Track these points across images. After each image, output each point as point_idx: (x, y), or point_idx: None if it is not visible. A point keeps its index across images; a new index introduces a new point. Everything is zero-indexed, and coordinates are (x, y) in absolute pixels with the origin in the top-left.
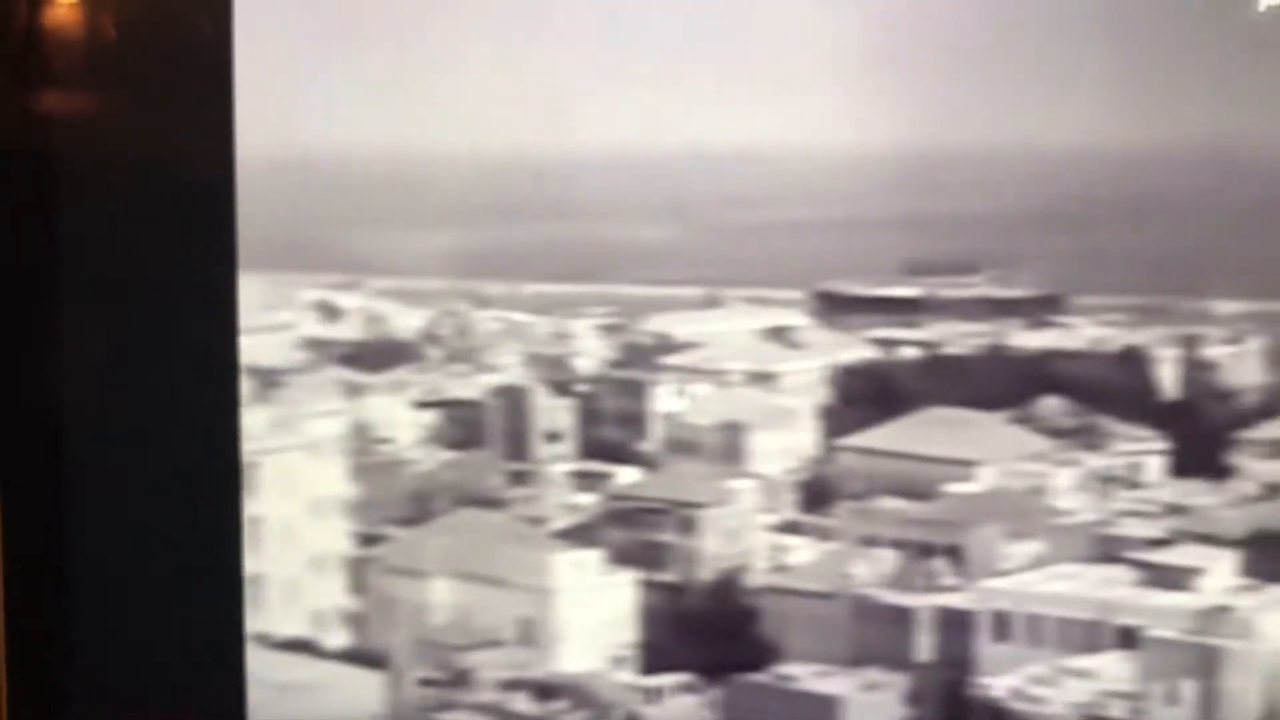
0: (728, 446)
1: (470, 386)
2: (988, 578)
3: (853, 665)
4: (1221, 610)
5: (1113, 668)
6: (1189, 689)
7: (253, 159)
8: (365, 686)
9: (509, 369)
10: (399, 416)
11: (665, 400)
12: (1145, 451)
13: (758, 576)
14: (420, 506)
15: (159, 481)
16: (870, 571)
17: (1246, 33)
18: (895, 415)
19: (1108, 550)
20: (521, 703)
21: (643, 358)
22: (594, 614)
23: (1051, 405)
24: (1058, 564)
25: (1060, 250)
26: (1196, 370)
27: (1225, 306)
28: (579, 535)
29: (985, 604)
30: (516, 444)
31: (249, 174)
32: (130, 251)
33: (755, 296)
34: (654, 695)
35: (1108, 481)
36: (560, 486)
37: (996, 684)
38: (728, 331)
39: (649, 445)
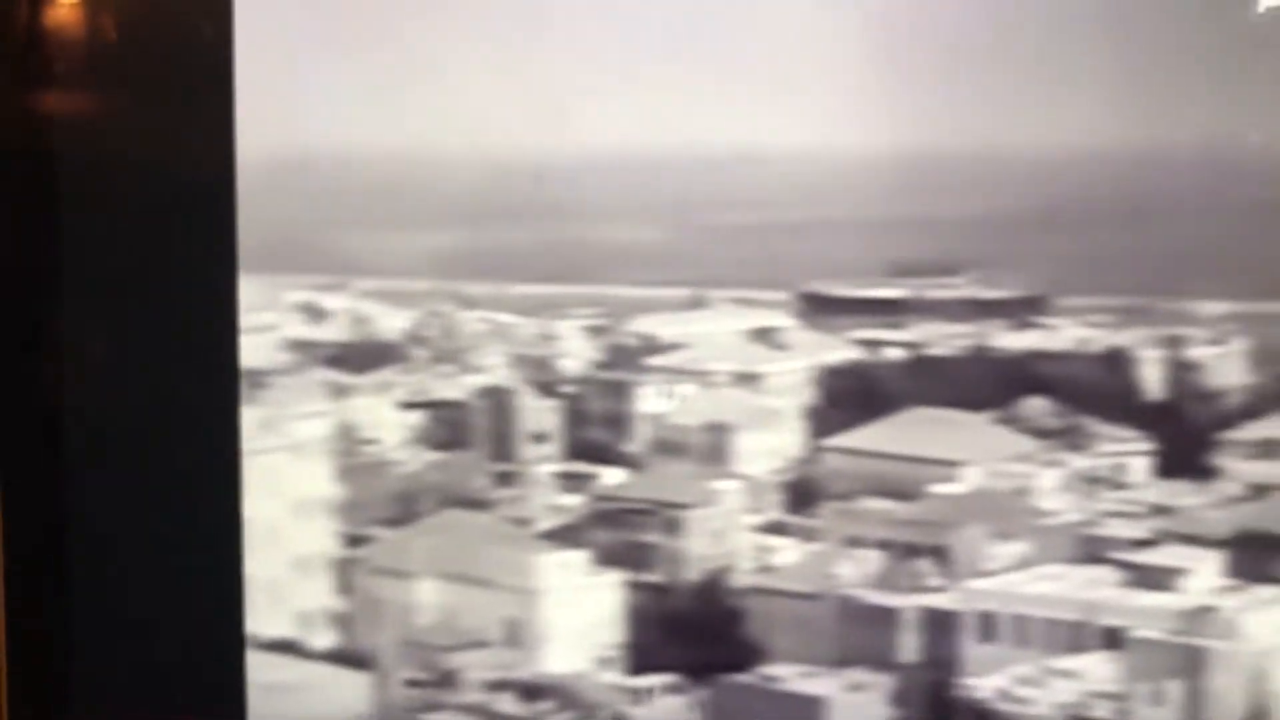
0: (713, 447)
1: (456, 387)
2: (973, 578)
3: (838, 666)
4: (1206, 611)
5: (1098, 668)
6: (1174, 689)
7: (243, 160)
8: (351, 687)
9: (494, 370)
10: (384, 417)
11: (651, 401)
12: (1130, 452)
13: (743, 577)
14: (406, 507)
15: (159, 482)
16: (855, 572)
17: (1240, 34)
18: (880, 416)
19: (1093, 551)
20: (507, 703)
21: (628, 359)
22: (580, 615)
23: (1036, 406)
24: (1043, 564)
25: (1044, 251)
26: (1181, 371)
27: (1209, 307)
28: (565, 536)
29: (970, 605)
30: (502, 445)
31: (239, 175)
32: (130, 252)
33: (741, 298)
34: (640, 696)
35: (1092, 482)
36: (546, 487)
37: (982, 684)
38: (713, 332)
39: (634, 446)
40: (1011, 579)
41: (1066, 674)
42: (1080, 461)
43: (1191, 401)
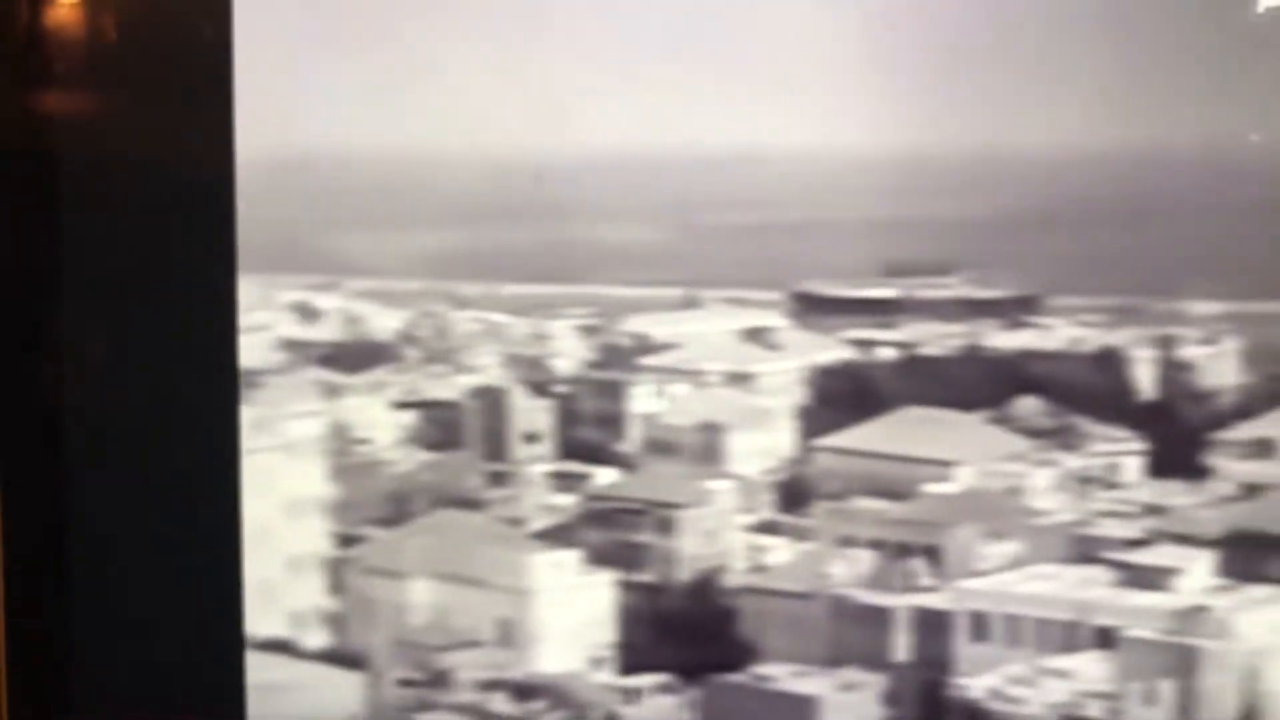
0: (706, 447)
1: (448, 387)
2: (965, 578)
3: (830, 665)
4: (1199, 610)
5: (1090, 668)
6: (1166, 689)
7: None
8: (344, 687)
9: (487, 370)
10: (377, 417)
11: (643, 401)
12: (1123, 452)
13: (736, 577)
14: (399, 507)
15: (158, 481)
16: (848, 572)
17: (1234, 34)
18: (872, 415)
19: (1085, 550)
20: (500, 703)
21: (621, 358)
22: (572, 614)
23: (1029, 406)
24: (1035, 564)
25: (1037, 251)
26: (1173, 371)
27: (1202, 307)
28: (557, 536)
29: (963, 604)
30: (495, 445)
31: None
32: (129, 252)
33: (733, 297)
34: (632, 695)
35: (1085, 482)
36: (539, 487)
37: (974, 684)
38: (706, 332)
39: (627, 446)
40: (1004, 578)
41: (1059, 674)
42: (1073, 461)
43: (1184, 401)
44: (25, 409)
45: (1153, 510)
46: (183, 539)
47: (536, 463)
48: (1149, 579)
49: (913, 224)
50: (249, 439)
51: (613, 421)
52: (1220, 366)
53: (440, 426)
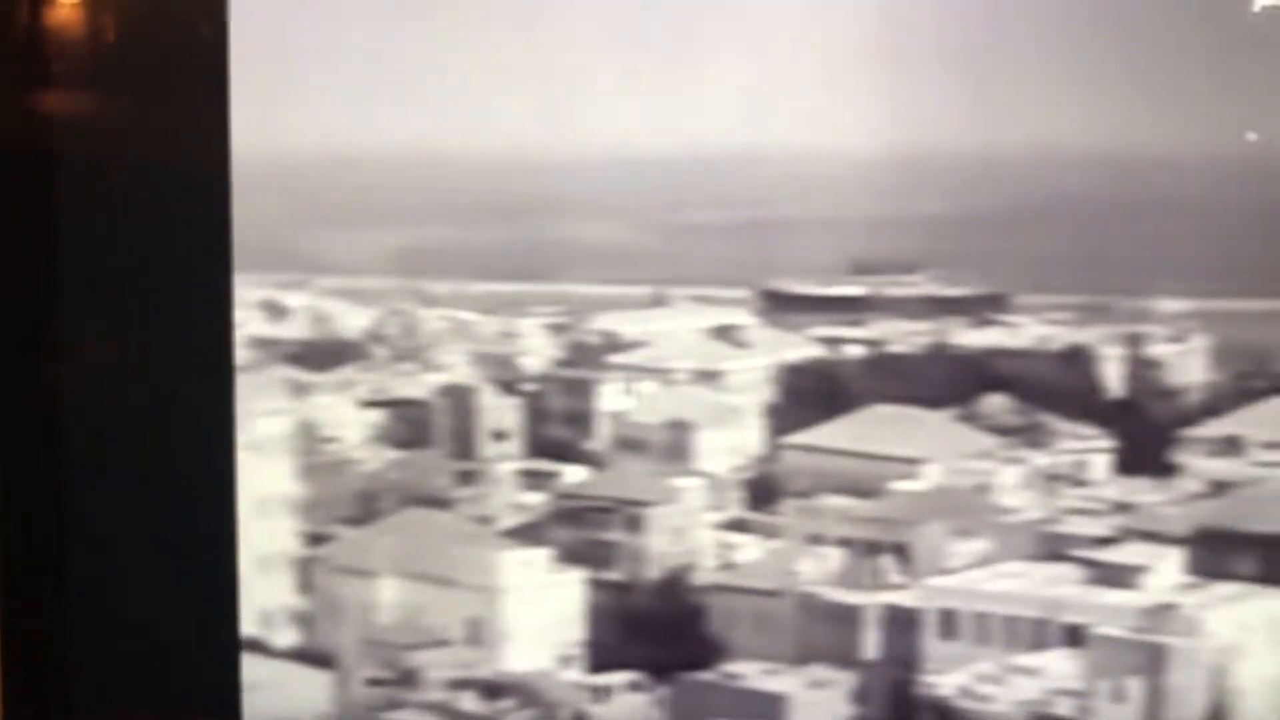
0: (674, 445)
1: (417, 385)
2: (934, 575)
3: (799, 663)
4: (1167, 608)
5: (1059, 665)
6: (1135, 686)
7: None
8: (313, 685)
9: (455, 368)
10: (345, 415)
11: (612, 399)
12: (1090, 449)
13: (705, 575)
14: (367, 506)
15: (155, 481)
16: (817, 569)
17: (1209, 41)
18: (840, 413)
19: (1054, 548)
20: (469, 702)
21: (590, 356)
22: (541, 613)
23: (996, 403)
24: (1004, 562)
25: (1004, 249)
26: (1141, 368)
27: (1170, 305)
28: (527, 534)
29: (932, 602)
30: (463, 443)
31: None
32: (125, 251)
33: (702, 295)
34: (602, 694)
35: (1053, 479)
36: (508, 485)
37: (944, 682)
38: (674, 330)
39: (596, 444)
40: (972, 576)
41: (1028, 671)
42: (1041, 459)
43: (1152, 399)
44: (23, 408)
45: (1121, 508)
46: (179, 538)
47: (505, 461)
48: (1117, 577)
49: (880, 222)
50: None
51: (581, 419)
52: (1188, 364)
53: (408, 425)
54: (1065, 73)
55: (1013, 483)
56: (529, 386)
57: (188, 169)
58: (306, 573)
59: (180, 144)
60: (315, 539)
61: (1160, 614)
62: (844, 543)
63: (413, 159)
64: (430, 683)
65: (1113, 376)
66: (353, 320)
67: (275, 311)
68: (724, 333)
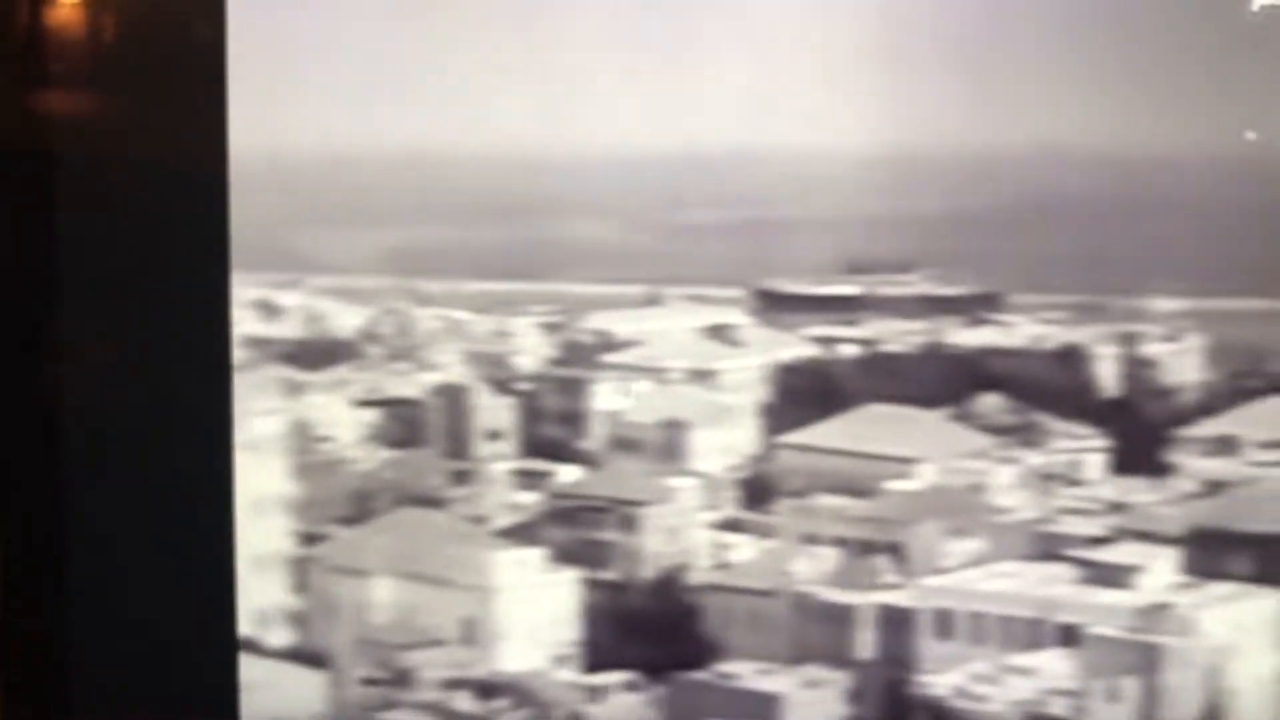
0: (669, 444)
1: (411, 385)
2: (929, 575)
3: (794, 663)
4: (1162, 608)
5: (1054, 665)
6: (1130, 686)
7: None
8: (307, 685)
9: (449, 367)
10: (339, 415)
11: (606, 398)
12: (1085, 449)
13: (699, 574)
14: (361, 505)
15: (153, 481)
16: (811, 569)
17: (1197, 40)
18: (835, 413)
19: (1048, 548)
20: (463, 701)
21: (584, 356)
22: (536, 613)
23: (991, 403)
24: (999, 561)
25: (999, 249)
26: (1136, 368)
27: (1164, 304)
28: (521, 534)
29: (927, 602)
30: (457, 442)
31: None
32: (125, 249)
33: (696, 295)
34: (597, 694)
35: (1048, 479)
36: (502, 485)
37: (939, 682)
38: (669, 329)
39: (590, 443)
40: (967, 576)
41: (1023, 671)
42: (1035, 458)
43: (1146, 398)
44: (20, 407)
45: (1116, 507)
46: (177, 538)
47: (499, 461)
48: (1112, 576)
49: (875, 222)
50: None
51: (575, 419)
52: (1183, 363)
53: (402, 424)
54: (1057, 73)
55: (1007, 482)
56: (523, 386)
57: (186, 169)
58: (301, 572)
59: (178, 144)
60: (309, 538)
61: (1155, 614)
62: (839, 542)
63: (406, 159)
64: (425, 682)
65: (1107, 376)
66: (347, 319)
67: (269, 311)
68: (718, 332)
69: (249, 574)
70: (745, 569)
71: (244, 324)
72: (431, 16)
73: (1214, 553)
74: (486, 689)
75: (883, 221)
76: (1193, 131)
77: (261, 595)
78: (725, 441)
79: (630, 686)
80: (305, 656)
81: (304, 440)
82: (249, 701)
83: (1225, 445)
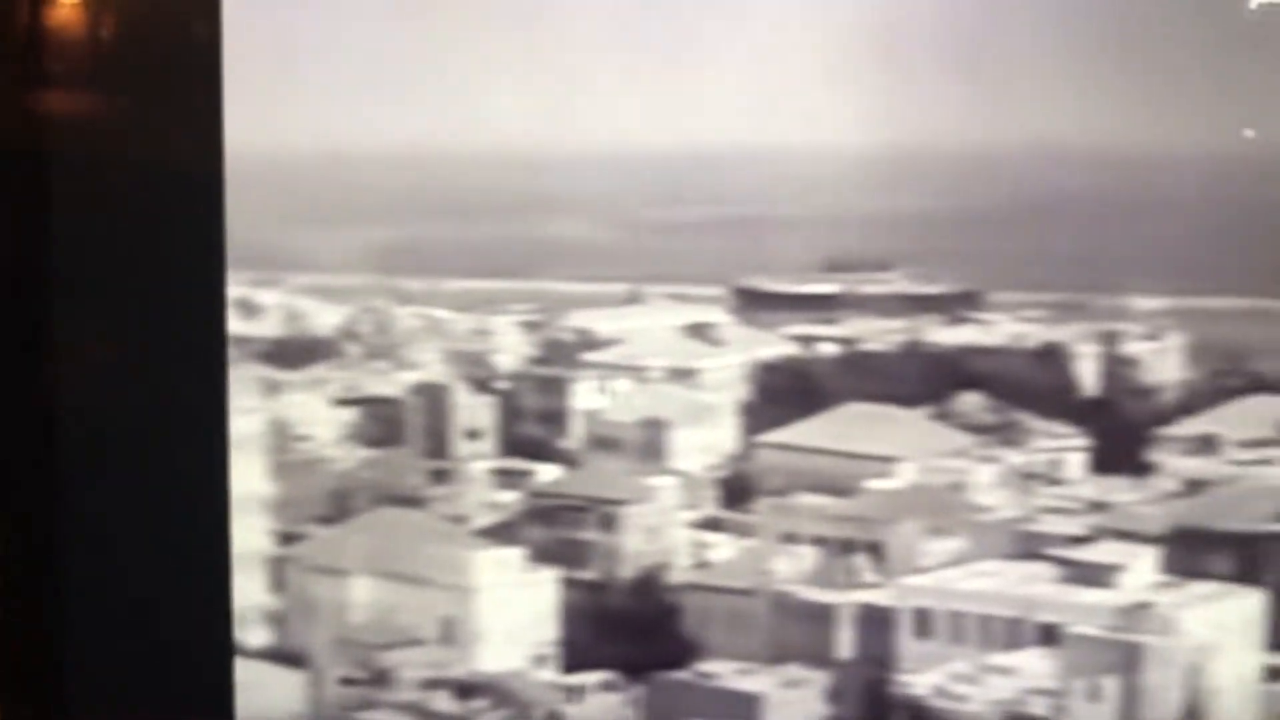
0: (649, 443)
1: (390, 384)
2: (909, 574)
3: (774, 662)
4: (1142, 607)
5: (1034, 664)
6: (1110, 685)
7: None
8: (286, 685)
9: (429, 366)
10: (318, 414)
11: (586, 397)
12: (1066, 448)
13: (679, 574)
14: (340, 504)
15: (150, 480)
16: (791, 568)
17: (1190, 40)
18: (815, 411)
19: (1029, 547)
20: (442, 701)
21: (564, 354)
22: (515, 612)
23: (971, 401)
24: (979, 561)
25: (979, 247)
26: (1117, 366)
27: (1145, 303)
28: (500, 533)
29: (906, 601)
30: (437, 442)
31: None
32: (119, 248)
33: (676, 293)
34: (575, 693)
35: (1028, 478)
36: (481, 484)
37: (918, 681)
38: (649, 328)
39: (570, 442)
40: (947, 575)
41: (1003, 670)
42: (1016, 457)
43: (1127, 397)
44: (17, 407)
45: (1096, 506)
46: (171, 537)
47: (478, 460)
48: (1093, 576)
49: (855, 220)
50: None
51: (555, 418)
52: (1164, 362)
53: (381, 423)
54: (1037, 73)
55: (988, 481)
56: (503, 385)
57: (182, 169)
58: (279, 572)
59: (174, 144)
60: (287, 538)
61: (1136, 613)
62: (818, 541)
63: (386, 157)
64: (404, 682)
65: (1088, 374)
66: (325, 318)
67: (248, 309)
68: (699, 330)
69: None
70: (725, 568)
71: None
72: (418, 18)
73: (1195, 551)
74: (465, 689)
75: (863, 220)
76: (1174, 132)
77: (240, 595)
78: (705, 440)
79: (609, 686)
80: (284, 656)
81: (282, 439)
82: None
83: (1206, 444)
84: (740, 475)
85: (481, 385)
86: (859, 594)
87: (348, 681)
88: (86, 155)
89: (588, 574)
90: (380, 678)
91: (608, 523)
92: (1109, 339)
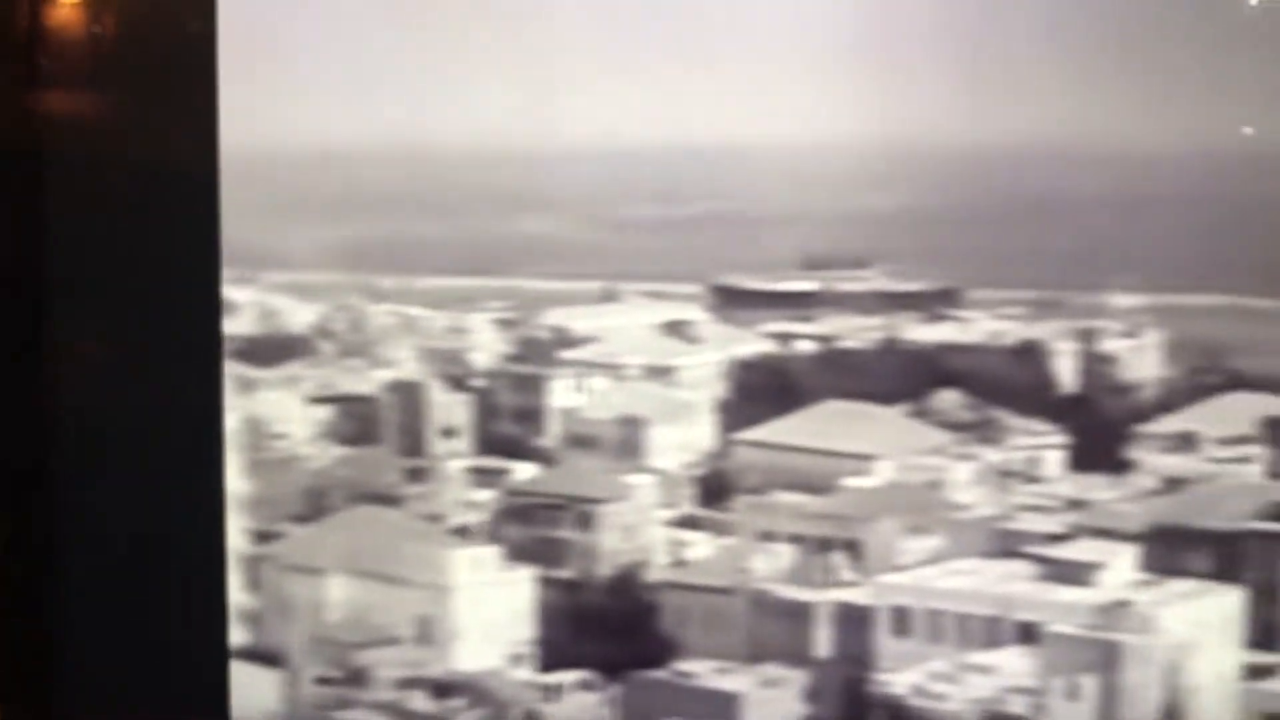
0: (626, 441)
1: (365, 381)
2: (887, 573)
3: (751, 661)
4: (1121, 605)
5: (1013, 663)
6: (1089, 683)
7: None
8: (262, 685)
9: (404, 364)
10: (292, 412)
11: (563, 395)
12: (1044, 445)
13: (656, 572)
14: (315, 503)
15: (146, 480)
16: (768, 566)
17: (1154, 34)
18: (792, 409)
19: (1007, 545)
20: (419, 701)
21: (540, 352)
22: (492, 611)
23: (949, 399)
24: (957, 559)
25: (956, 244)
26: (1095, 364)
27: (1123, 300)
28: (476, 531)
29: (884, 599)
30: (412, 440)
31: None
32: (113, 247)
33: (653, 291)
34: (553, 692)
35: (1006, 475)
36: (457, 483)
37: (897, 680)
38: (625, 326)
39: (547, 440)
40: (925, 573)
41: (982, 669)
42: (994, 455)
43: (1105, 394)
44: (14, 407)
45: (1074, 505)
46: (168, 536)
47: (454, 458)
48: (1072, 574)
49: (833, 217)
50: None
51: (532, 416)
52: (1142, 359)
53: (357, 421)
54: (1021, 70)
55: (965, 479)
56: (478, 382)
57: (177, 168)
58: (254, 570)
59: (170, 143)
60: (263, 536)
61: (1115, 611)
62: (796, 540)
63: (360, 155)
64: (380, 682)
65: (1066, 372)
66: (300, 315)
67: (223, 307)
68: (675, 328)
69: None
70: (702, 566)
71: None
72: (393, 16)
73: (1174, 549)
74: (442, 688)
75: (841, 217)
76: (1151, 130)
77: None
78: (683, 438)
79: (586, 685)
80: (259, 655)
81: (257, 437)
82: None
83: (1184, 441)
84: (718, 473)
85: (457, 383)
86: (837, 592)
87: (324, 681)
88: (82, 153)
89: (565, 572)
90: (356, 677)
91: (585, 521)
92: (1087, 336)
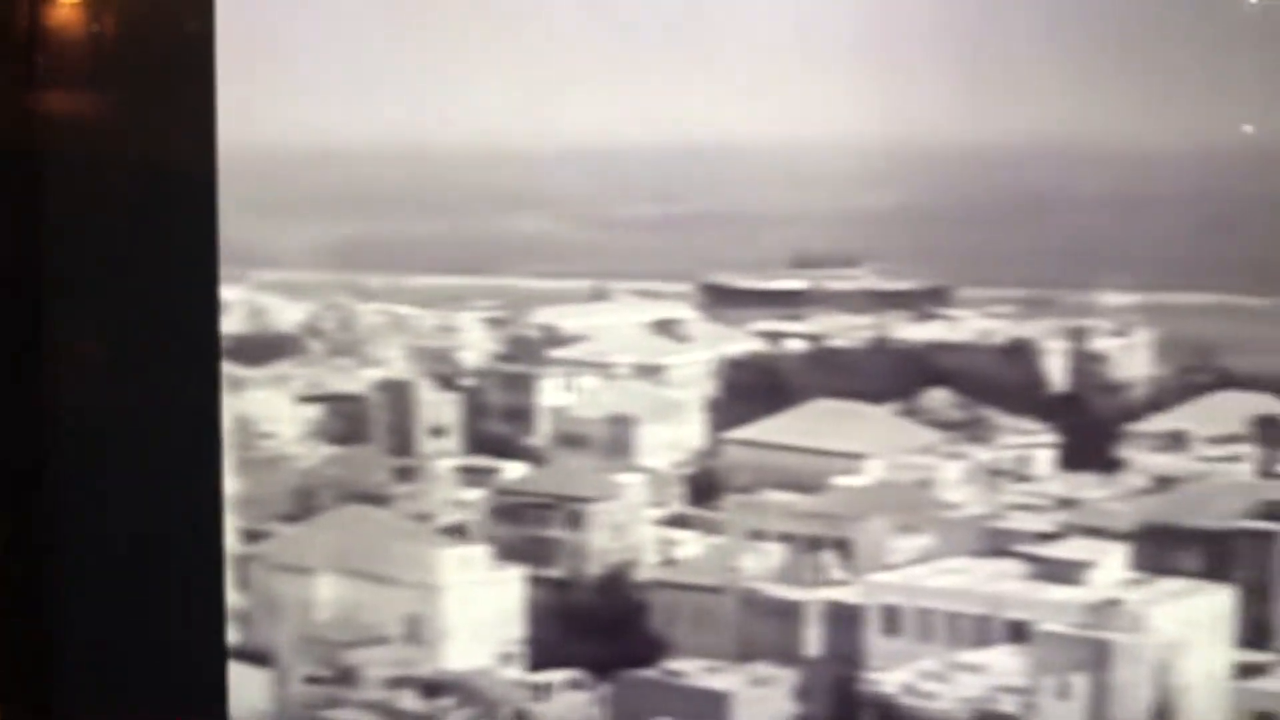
0: (615, 440)
1: (353, 380)
2: (876, 571)
3: (741, 660)
4: (1111, 604)
5: (1003, 662)
6: (1080, 682)
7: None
8: (251, 684)
9: (393, 363)
10: (281, 411)
11: (552, 394)
12: (1034, 444)
13: (646, 571)
14: (304, 502)
15: (143, 480)
16: (758, 565)
17: (1142, 33)
18: (782, 408)
19: (997, 544)
20: (408, 700)
21: (529, 351)
22: (481, 610)
23: (939, 398)
24: (947, 558)
25: (946, 243)
26: (1085, 362)
27: (1113, 299)
28: (465, 531)
29: (874, 598)
30: (401, 439)
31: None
32: (115, 246)
33: (642, 289)
34: (542, 692)
35: (996, 474)
36: (446, 482)
37: (887, 679)
38: (615, 324)
39: (536, 439)
40: (915, 572)
41: (972, 668)
42: (984, 454)
43: (1096, 393)
44: (13, 407)
45: (1065, 503)
46: (166, 537)
47: (443, 457)
48: (1062, 573)
49: (822, 216)
50: None
51: (521, 415)
52: (1132, 358)
53: (345, 420)
54: (1012, 69)
55: (955, 478)
56: (468, 381)
57: (176, 167)
58: (243, 570)
59: (169, 143)
60: (252, 536)
61: (1105, 610)
62: (786, 538)
63: (350, 153)
64: (369, 681)
65: (1056, 371)
66: (289, 314)
67: None
68: (665, 327)
69: None
70: (692, 565)
71: None
72: (384, 14)
73: (1164, 548)
74: (431, 687)
75: (830, 215)
76: (1141, 128)
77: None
78: (672, 437)
79: (576, 684)
80: (248, 655)
81: (245, 436)
82: None
83: (1175, 440)
84: (707, 472)
85: (447, 382)
86: (827, 591)
87: (313, 680)
88: (81, 153)
89: (554, 572)
90: (346, 676)
91: (574, 520)
92: (1077, 335)
